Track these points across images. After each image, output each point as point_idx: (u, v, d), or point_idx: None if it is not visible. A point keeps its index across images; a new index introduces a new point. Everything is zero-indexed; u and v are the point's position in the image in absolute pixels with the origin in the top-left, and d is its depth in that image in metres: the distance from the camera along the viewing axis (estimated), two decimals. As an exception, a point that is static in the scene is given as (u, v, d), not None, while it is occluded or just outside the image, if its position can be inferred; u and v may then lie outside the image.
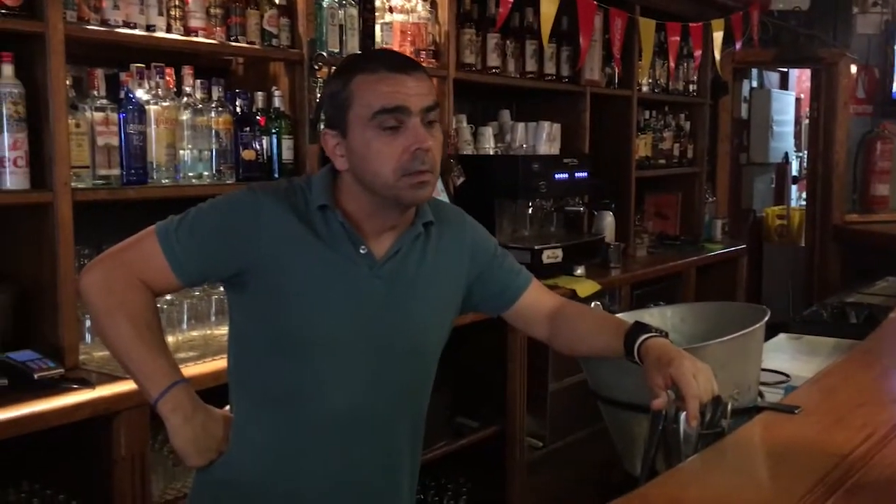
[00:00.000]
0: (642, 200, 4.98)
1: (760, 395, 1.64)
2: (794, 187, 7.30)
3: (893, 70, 5.22)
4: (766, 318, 1.58)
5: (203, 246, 1.37)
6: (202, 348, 2.24)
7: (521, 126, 3.67)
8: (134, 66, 2.27)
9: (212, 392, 1.89)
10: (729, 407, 1.41)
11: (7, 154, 1.95)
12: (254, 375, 1.43)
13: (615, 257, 3.90)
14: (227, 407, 1.47)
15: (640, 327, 1.44)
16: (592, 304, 1.66)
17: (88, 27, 2.09)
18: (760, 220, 6.81)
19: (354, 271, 1.40)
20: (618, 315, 1.72)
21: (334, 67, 2.60)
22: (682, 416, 1.37)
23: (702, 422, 1.41)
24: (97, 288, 1.36)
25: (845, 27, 5.17)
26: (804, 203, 6.79)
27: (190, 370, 2.06)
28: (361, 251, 1.40)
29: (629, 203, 4.30)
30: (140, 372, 1.37)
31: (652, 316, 1.76)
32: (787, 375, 2.05)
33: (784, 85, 7.22)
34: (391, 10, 3.00)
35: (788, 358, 2.78)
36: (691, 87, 4.87)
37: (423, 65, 3.01)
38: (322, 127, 1.46)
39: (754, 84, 6.65)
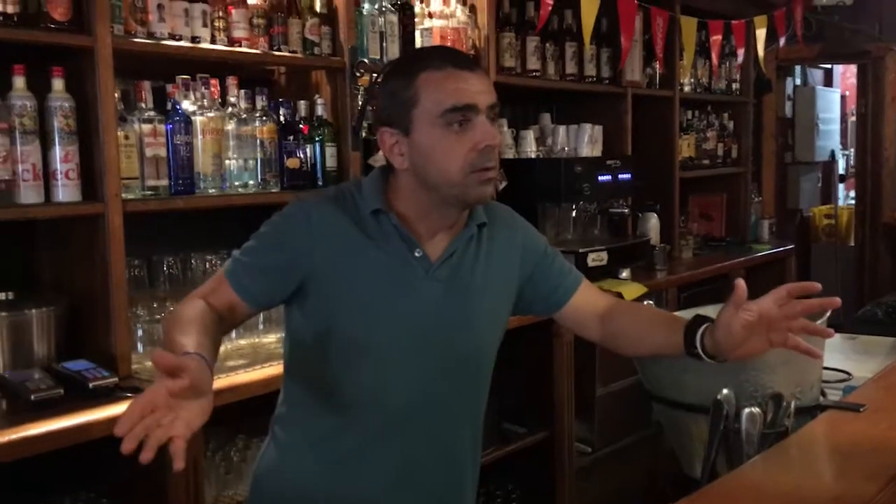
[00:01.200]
0: (686, 202, 4.92)
1: (823, 393, 1.59)
2: (841, 186, 7.15)
3: (943, 62, 5.09)
4: (828, 315, 1.54)
5: (263, 264, 1.38)
6: (251, 356, 2.25)
7: (562, 129, 3.65)
8: (179, 78, 2.30)
9: (262, 399, 1.90)
10: (792, 406, 1.38)
11: (59, 167, 1.98)
12: (312, 384, 1.43)
13: (661, 259, 3.86)
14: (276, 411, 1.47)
15: (699, 319, 1.40)
16: (645, 303, 1.62)
17: (136, 40, 2.12)
18: (808, 219, 6.68)
19: (410, 274, 1.39)
20: (675, 313, 1.69)
21: (375, 74, 2.64)
22: (745, 414, 1.34)
23: (764, 420, 1.38)
24: (171, 311, 1.38)
25: (891, 20, 5.05)
26: (852, 202, 6.64)
27: (239, 378, 2.07)
28: (416, 254, 1.40)
29: (673, 204, 4.24)
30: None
31: (707, 313, 1.72)
32: (849, 374, 2.00)
33: (828, 82, 7.08)
34: (430, 15, 3.00)
35: (845, 358, 2.71)
36: (734, 86, 4.80)
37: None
38: (374, 126, 1.45)
39: (798, 82, 6.53)
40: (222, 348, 2.24)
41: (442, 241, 1.42)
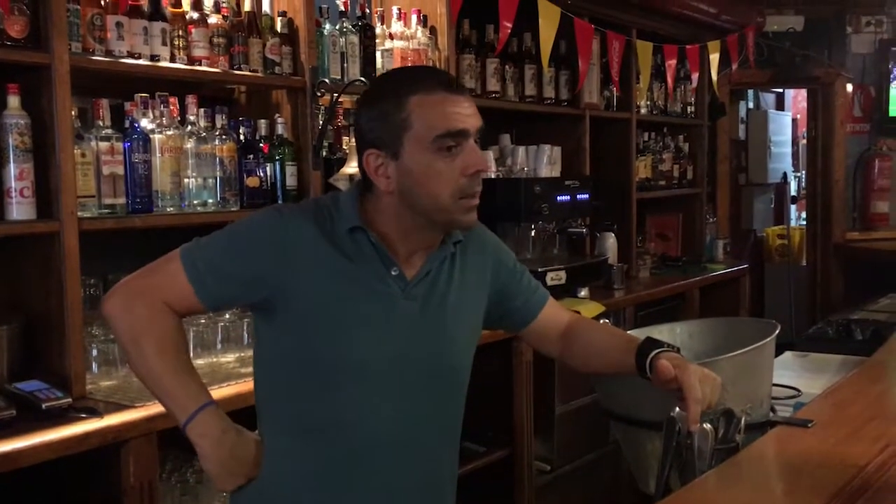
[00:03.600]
0: (643, 222, 5.00)
1: (773, 409, 1.63)
2: (793, 207, 7.32)
3: (889, 88, 5.26)
4: (776, 333, 1.58)
5: (227, 268, 1.35)
6: (209, 376, 2.22)
7: (521, 149, 3.69)
8: (138, 96, 2.29)
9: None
10: (742, 421, 1.41)
11: (14, 185, 1.96)
12: (285, 404, 1.41)
13: (618, 278, 3.91)
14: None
15: (651, 343, 1.43)
16: (601, 321, 1.65)
17: (94, 58, 2.11)
18: (761, 239, 6.83)
19: (387, 293, 1.38)
20: (629, 331, 1.72)
21: (335, 93, 2.66)
22: (696, 431, 1.36)
23: (715, 436, 1.41)
24: (121, 313, 1.35)
25: (840, 47, 5.21)
26: (804, 222, 6.80)
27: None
28: (393, 272, 1.39)
29: (631, 224, 4.31)
30: (168, 396, 1.35)
31: (661, 332, 1.75)
32: (798, 390, 2.05)
33: (780, 106, 7.27)
34: (391, 36, 3.03)
35: (795, 375, 2.77)
36: (689, 109, 4.90)
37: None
38: (355, 148, 1.43)
39: (751, 105, 6.70)
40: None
41: (418, 261, 1.42)
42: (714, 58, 4.36)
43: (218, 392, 2.08)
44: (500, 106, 3.53)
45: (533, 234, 3.50)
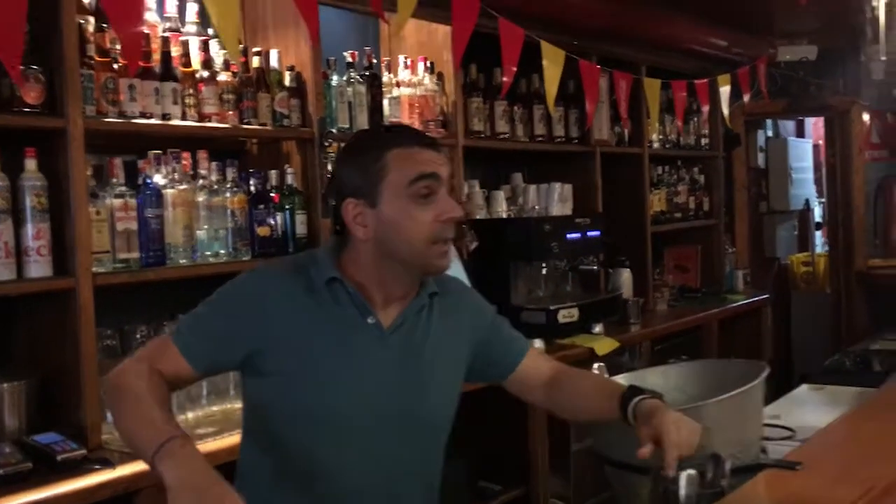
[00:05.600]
0: (661, 255, 5.01)
1: (764, 451, 1.64)
2: (818, 233, 7.26)
3: (907, 114, 5.24)
4: (765, 375, 1.60)
5: (210, 332, 1.42)
6: (221, 423, 2.28)
7: (532, 188, 3.74)
8: (151, 153, 2.38)
9: (231, 466, 1.94)
10: (727, 466, 1.43)
11: (31, 244, 2.05)
12: (265, 454, 1.46)
13: (634, 313, 3.92)
14: (235, 480, 1.51)
15: (634, 390, 1.47)
16: (595, 367, 1.68)
17: (107, 120, 2.21)
18: (785, 267, 6.77)
19: (363, 343, 1.44)
20: (618, 377, 1.75)
21: (343, 143, 2.73)
22: (682, 476, 1.39)
23: (702, 481, 1.43)
24: (111, 382, 1.38)
25: (854, 74, 5.21)
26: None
27: (208, 446, 2.11)
28: (370, 321, 1.45)
29: (646, 258, 4.33)
30: (138, 439, 1.29)
31: (655, 376, 1.78)
32: (792, 430, 2.05)
33: (801, 132, 7.24)
34: (398, 84, 3.11)
35: (809, 410, 2.76)
36: (703, 141, 4.93)
37: (433, 135, 3.13)
38: (333, 199, 1.50)
39: (770, 133, 6.68)
40: (192, 415, 2.31)
41: (394, 310, 1.48)
42: (724, 90, 4.39)
43: (230, 439, 2.13)
44: (510, 147, 3.59)
45: (544, 272, 3.53)
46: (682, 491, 1.39)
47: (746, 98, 4.66)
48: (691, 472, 1.39)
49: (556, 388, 1.59)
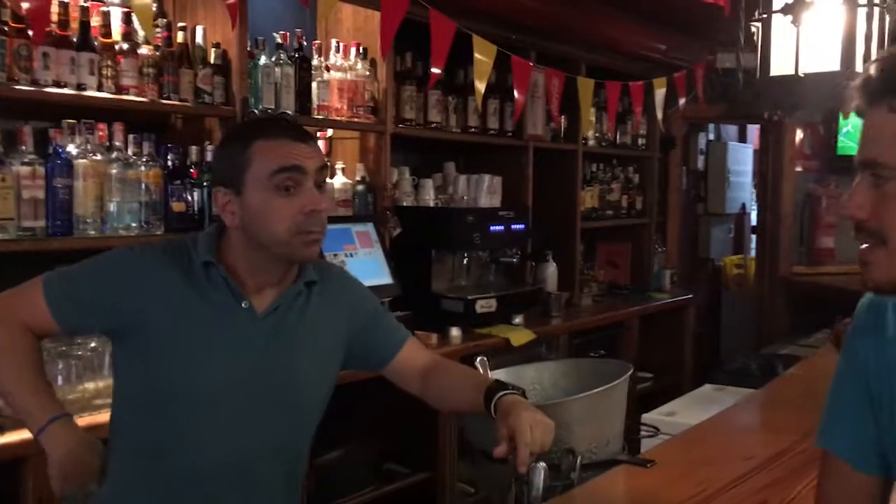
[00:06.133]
0: (594, 250, 5.11)
1: (625, 448, 1.72)
2: (753, 237, 7.43)
3: (837, 128, 5.39)
4: (627, 375, 1.68)
5: (81, 294, 1.47)
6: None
7: (463, 178, 3.80)
8: (65, 123, 2.38)
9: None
10: (578, 461, 1.51)
11: (-70, 207, 2.04)
12: (129, 426, 1.51)
13: (556, 306, 4.01)
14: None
15: (498, 385, 1.53)
16: (477, 361, 1.73)
17: (17, 87, 2.20)
18: (719, 268, 6.94)
19: (234, 325, 1.48)
20: (497, 371, 1.82)
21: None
22: (533, 469, 1.46)
23: (555, 473, 1.51)
24: None
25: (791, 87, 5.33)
26: (762, 253, 6.90)
27: (102, 417, 2.12)
28: (243, 306, 1.49)
29: (574, 253, 4.42)
30: (22, 409, 1.47)
31: (532, 371, 1.85)
32: (657, 429, 2.14)
33: (742, 137, 7.39)
34: (328, 68, 3.13)
35: (704, 408, 2.86)
36: (640, 141, 5.02)
37: (361, 120, 3.16)
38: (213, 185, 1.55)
39: (711, 137, 6.82)
40: (91, 385, 2.33)
41: (269, 295, 1.53)
42: (660, 93, 4.48)
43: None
44: (441, 136, 3.63)
45: (465, 262, 3.59)
46: (534, 482, 1.46)
47: (682, 102, 4.75)
48: (543, 465, 1.46)
49: (430, 380, 1.65)
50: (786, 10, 1.85)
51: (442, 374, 1.65)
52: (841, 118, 5.28)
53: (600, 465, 1.59)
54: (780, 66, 1.83)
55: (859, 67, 1.83)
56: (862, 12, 1.78)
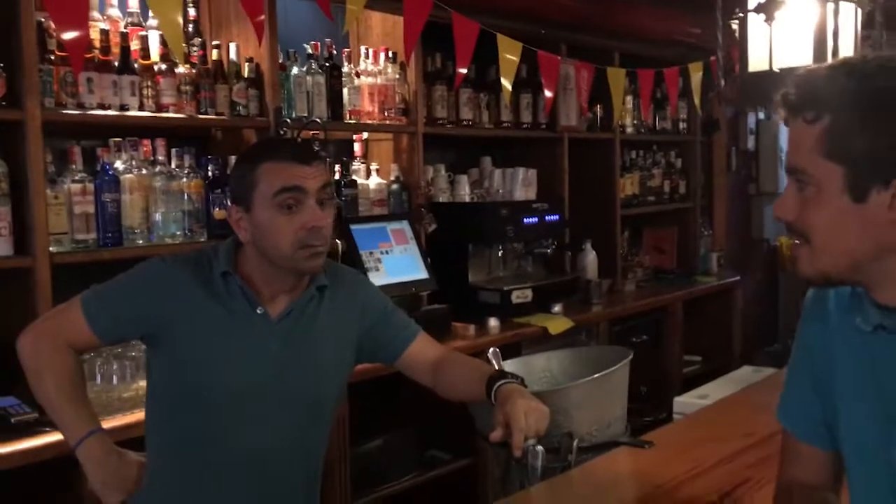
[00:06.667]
0: (640, 236, 5.14)
1: (628, 429, 1.80)
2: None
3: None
4: (626, 361, 1.76)
5: (115, 308, 1.63)
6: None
7: (498, 172, 3.89)
8: (112, 141, 2.57)
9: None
10: (575, 443, 1.60)
11: (-7, 225, 2.25)
12: (164, 424, 1.67)
13: (596, 294, 4.07)
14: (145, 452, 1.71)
15: (499, 374, 1.64)
16: (490, 352, 1.83)
17: (64, 111, 2.39)
18: (774, 249, 6.85)
19: (251, 330, 1.63)
20: (508, 361, 1.91)
21: (296, 131, 2.90)
22: (529, 450, 1.56)
23: (553, 455, 1.61)
24: (28, 351, 1.64)
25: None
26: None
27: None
28: (258, 312, 1.63)
29: (614, 240, 4.46)
30: (62, 423, 1.64)
31: (540, 361, 1.95)
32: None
33: (795, 115, 7.28)
34: (357, 74, 3.26)
35: (734, 391, 2.91)
36: (681, 126, 5.03)
37: (393, 122, 3.28)
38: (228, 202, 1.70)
39: (762, 116, 6.74)
40: (144, 384, 2.51)
41: (283, 302, 1.66)
42: (696, 77, 4.48)
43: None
44: (473, 133, 3.73)
45: (500, 254, 3.68)
46: (532, 464, 1.56)
47: (723, 84, 4.73)
48: (541, 448, 1.56)
49: (439, 372, 1.77)
50: (758, 9, 1.90)
51: (450, 366, 1.76)
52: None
53: (600, 447, 1.67)
54: (756, 62, 1.88)
55: (830, 60, 1.87)
56: (831, 7, 1.82)
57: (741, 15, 1.89)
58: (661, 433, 1.79)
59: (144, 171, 2.60)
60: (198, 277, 1.62)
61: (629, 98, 4.50)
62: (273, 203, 1.56)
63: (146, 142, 2.66)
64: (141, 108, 2.58)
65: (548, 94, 3.62)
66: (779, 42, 1.88)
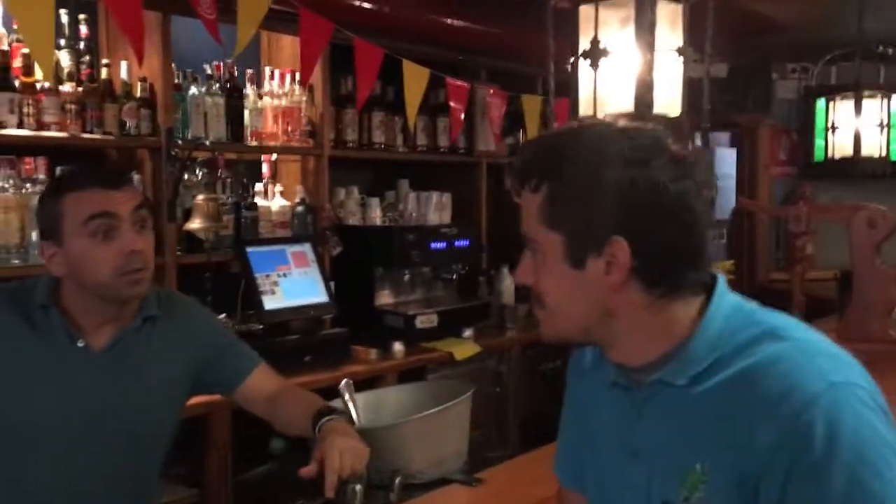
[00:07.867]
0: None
1: (466, 465, 1.79)
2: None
3: (813, 133, 5.36)
4: (466, 397, 1.75)
5: None
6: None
7: (413, 196, 3.88)
8: (-15, 159, 2.53)
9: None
10: (397, 481, 1.59)
11: None
12: None
13: (511, 319, 4.06)
14: None
15: (327, 410, 1.62)
16: (343, 382, 1.81)
17: (-67, 128, 2.35)
18: (711, 275, 6.91)
19: (71, 363, 1.59)
20: (359, 394, 1.89)
21: (187, 151, 2.88)
22: (348, 490, 1.54)
23: (374, 493, 1.59)
24: None
25: (763, 93, 5.34)
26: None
27: None
28: (79, 345, 1.60)
29: (535, 266, 4.46)
30: None
31: (392, 394, 1.93)
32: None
33: (734, 142, 7.37)
34: (261, 96, 3.24)
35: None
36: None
37: (298, 144, 3.26)
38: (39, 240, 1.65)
39: (698, 143, 6.81)
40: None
41: (107, 333, 1.63)
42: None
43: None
44: (385, 157, 3.73)
45: (408, 278, 3.67)
46: (349, 502, 1.54)
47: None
48: (359, 486, 1.54)
49: (274, 405, 1.75)
50: (585, 55, 1.93)
51: (286, 400, 1.74)
52: (815, 125, 5.26)
53: (429, 484, 1.66)
54: (585, 108, 1.90)
55: (657, 110, 1.91)
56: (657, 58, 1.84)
57: (572, 60, 1.91)
58: (500, 470, 1.78)
59: (23, 191, 2.56)
60: (16, 311, 1.59)
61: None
62: (85, 232, 1.53)
63: (29, 160, 2.61)
64: (20, 126, 2.54)
65: (453, 120, 3.63)
66: (604, 89, 1.91)
